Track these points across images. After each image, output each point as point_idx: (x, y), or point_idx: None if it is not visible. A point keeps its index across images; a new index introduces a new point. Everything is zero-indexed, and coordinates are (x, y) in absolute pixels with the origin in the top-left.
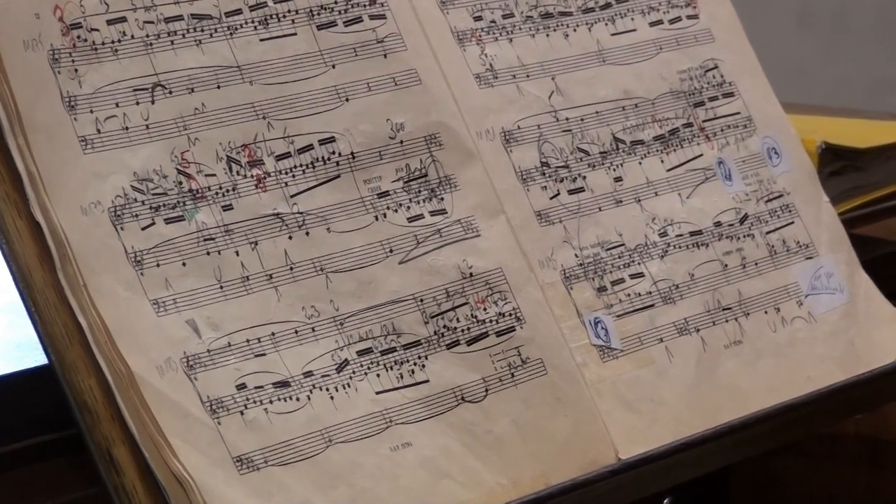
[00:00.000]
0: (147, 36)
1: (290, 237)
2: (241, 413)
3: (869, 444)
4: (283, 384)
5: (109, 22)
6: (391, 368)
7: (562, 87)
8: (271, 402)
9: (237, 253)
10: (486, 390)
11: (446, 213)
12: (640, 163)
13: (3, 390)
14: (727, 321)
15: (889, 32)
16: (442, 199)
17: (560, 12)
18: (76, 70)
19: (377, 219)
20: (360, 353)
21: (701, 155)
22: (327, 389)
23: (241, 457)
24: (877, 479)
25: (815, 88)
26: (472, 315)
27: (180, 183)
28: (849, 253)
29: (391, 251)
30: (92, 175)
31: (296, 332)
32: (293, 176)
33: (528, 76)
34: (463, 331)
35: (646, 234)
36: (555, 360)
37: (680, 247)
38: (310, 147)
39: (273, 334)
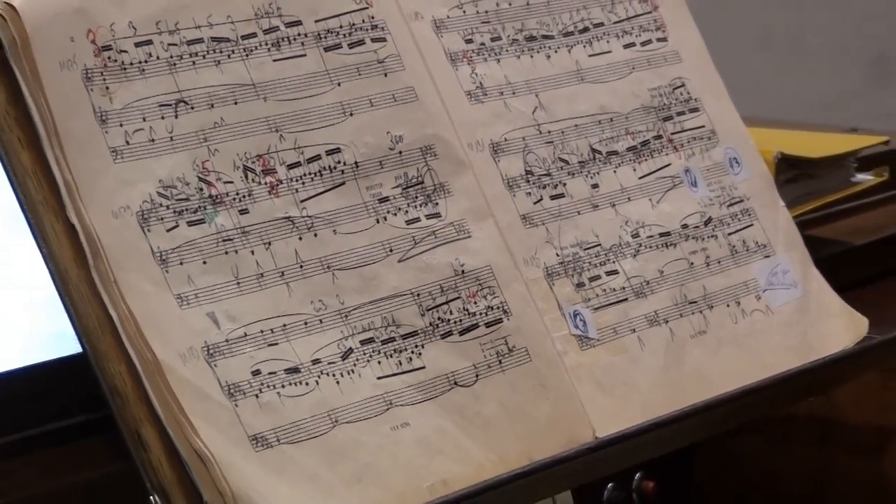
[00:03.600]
0: (171, 57)
1: (300, 238)
2: (256, 396)
3: (819, 424)
4: (294, 370)
5: (137, 44)
6: (391, 356)
7: (544, 103)
8: (283, 386)
9: (252, 252)
10: (477, 376)
11: (440, 216)
12: (614, 171)
13: (43, 376)
14: (693, 313)
15: (839, 54)
16: (437, 203)
17: (543, 35)
18: (107, 88)
19: (378, 221)
20: (363, 342)
21: (669, 164)
22: (333, 375)
23: (256, 435)
24: (826, 456)
25: (772, 104)
26: (463, 308)
27: (201, 189)
28: (802, 252)
29: (391, 251)
30: (121, 182)
31: (305, 323)
32: (303, 183)
33: (514, 93)
34: (455, 322)
35: (620, 236)
36: (538, 348)
37: (650, 247)
38: (318, 157)
39: (285, 326)
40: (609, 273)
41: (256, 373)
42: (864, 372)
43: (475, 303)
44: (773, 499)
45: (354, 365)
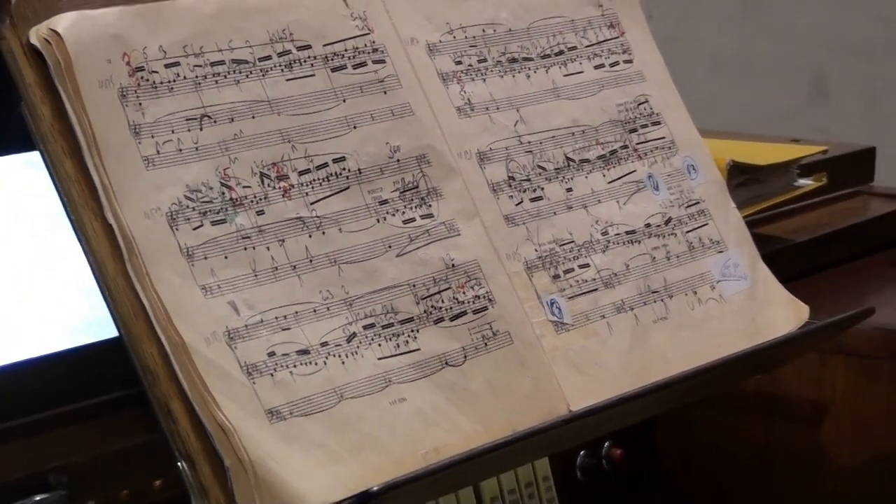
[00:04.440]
0: (196, 77)
1: (310, 236)
2: (272, 375)
3: (766, 398)
4: (305, 352)
5: (166, 66)
6: (390, 339)
7: (525, 117)
8: (295, 366)
9: (268, 248)
10: (465, 356)
11: (433, 216)
12: (586, 177)
13: (84, 357)
14: (655, 302)
15: (781, 75)
16: (430, 205)
17: (523, 58)
18: (140, 104)
19: (378, 221)
20: (366, 327)
21: (634, 171)
22: (339, 356)
23: (271, 409)
24: (771, 426)
25: (724, 119)
26: (453, 297)
27: (223, 193)
28: (751, 248)
29: (390, 247)
30: (153, 187)
31: (314, 310)
32: (312, 187)
33: (497, 108)
34: (446, 310)
35: (591, 233)
36: (519, 332)
37: (618, 243)
38: (325, 164)
39: (296, 313)
40: (581, 266)
41: (271, 354)
42: (804, 353)
43: (464, 293)
44: (725, 463)
45: (358, 347)
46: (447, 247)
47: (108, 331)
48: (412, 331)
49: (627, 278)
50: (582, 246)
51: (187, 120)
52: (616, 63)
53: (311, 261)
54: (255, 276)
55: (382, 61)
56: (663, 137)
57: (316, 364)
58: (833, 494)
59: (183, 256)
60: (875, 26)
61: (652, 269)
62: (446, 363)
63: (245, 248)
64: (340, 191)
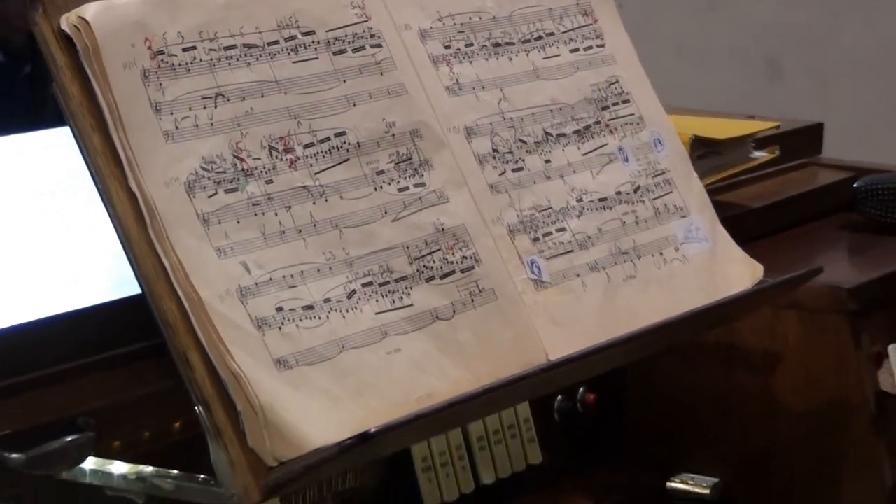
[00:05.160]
0: (211, 60)
1: (314, 203)
2: (279, 328)
3: (724, 348)
4: (309, 307)
5: (184, 50)
6: (386, 296)
7: (507, 96)
8: (301, 320)
9: (276, 214)
10: (454, 311)
11: (425, 185)
12: (563, 150)
13: (111, 312)
14: (625, 262)
15: (738, 58)
16: (422, 175)
17: (506, 42)
18: (160, 84)
19: (376, 189)
20: (364, 284)
21: (606, 144)
22: (340, 311)
23: (279, 359)
24: (728, 374)
25: (687, 97)
26: (443, 258)
27: (235, 164)
28: (711, 213)
29: (386, 212)
30: (172, 159)
31: (318, 270)
32: (316, 159)
33: (483, 88)
34: (437, 269)
35: (567, 201)
36: (502, 289)
37: (591, 209)
38: (328, 139)
39: (302, 272)
40: (559, 230)
41: (279, 309)
42: (759, 307)
43: (452, 254)
44: (686, 407)
45: (357, 303)
46: (438, 212)
47: (133, 288)
48: (406, 288)
49: (600, 241)
50: (559, 212)
51: (203, 98)
52: (590, 47)
53: (314, 225)
54: (265, 238)
55: (379, 46)
56: (632, 114)
57: (319, 318)
58: (784, 436)
59: (199, 221)
60: (822, 15)
61: (622, 233)
62: (437, 317)
63: (255, 214)
64: (341, 162)
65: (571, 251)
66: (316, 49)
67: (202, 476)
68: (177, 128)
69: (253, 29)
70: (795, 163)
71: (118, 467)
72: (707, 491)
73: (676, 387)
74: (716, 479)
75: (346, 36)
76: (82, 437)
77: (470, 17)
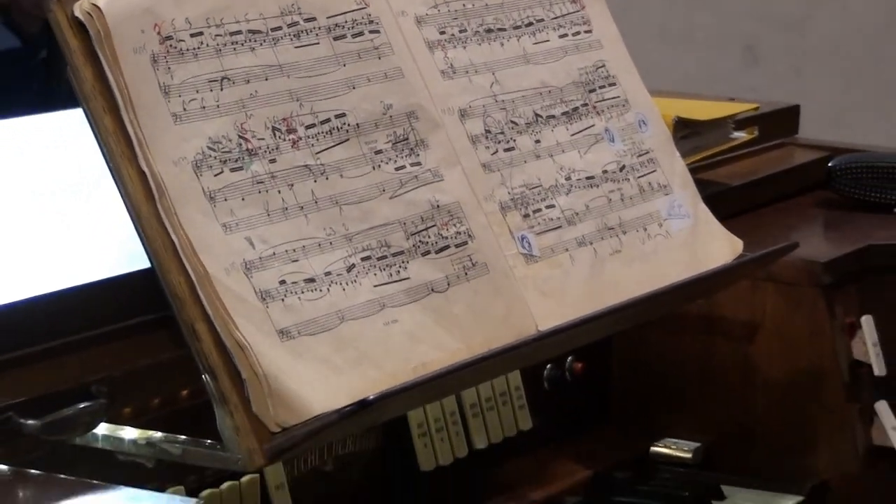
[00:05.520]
0: (217, 45)
1: (315, 181)
2: (282, 300)
3: (705, 319)
4: (311, 280)
5: (192, 35)
6: (384, 269)
7: (499, 80)
8: (302, 292)
9: (279, 191)
10: (448, 284)
11: (421, 164)
12: (552, 130)
13: (122, 285)
14: (611, 237)
15: (718, 44)
16: (418, 155)
17: (498, 28)
18: (169, 68)
19: (374, 168)
20: (363, 259)
21: (593, 125)
22: (340, 284)
23: (282, 329)
24: (710, 344)
25: (670, 81)
26: (438, 233)
27: (240, 144)
28: (693, 191)
29: (384, 190)
30: (180, 139)
31: (319, 245)
32: (317, 139)
33: (476, 72)
34: (432, 244)
35: (556, 179)
36: (494, 263)
37: (579, 187)
38: (328, 120)
39: (304, 247)
40: (548, 207)
41: (282, 282)
42: (738, 280)
43: (447, 229)
44: (670, 375)
45: (356, 276)
46: (433, 190)
47: (143, 263)
48: (403, 262)
49: (587, 217)
50: (548, 189)
51: (209, 81)
52: (577, 33)
53: (316, 202)
54: (268, 215)
55: (377, 31)
56: (618, 97)
57: (320, 291)
58: (762, 401)
59: (206, 198)
60: (798, 2)
61: (608, 209)
62: (432, 290)
63: (259, 192)
64: (341, 142)
65: (560, 227)
66: (317, 35)
67: (209, 441)
68: (184, 109)
69: (257, 15)
70: (773, 143)
71: (129, 433)
72: (689, 455)
73: (660, 356)
74: (697, 444)
75: (345, 22)
76: (95, 405)
77: (464, 4)
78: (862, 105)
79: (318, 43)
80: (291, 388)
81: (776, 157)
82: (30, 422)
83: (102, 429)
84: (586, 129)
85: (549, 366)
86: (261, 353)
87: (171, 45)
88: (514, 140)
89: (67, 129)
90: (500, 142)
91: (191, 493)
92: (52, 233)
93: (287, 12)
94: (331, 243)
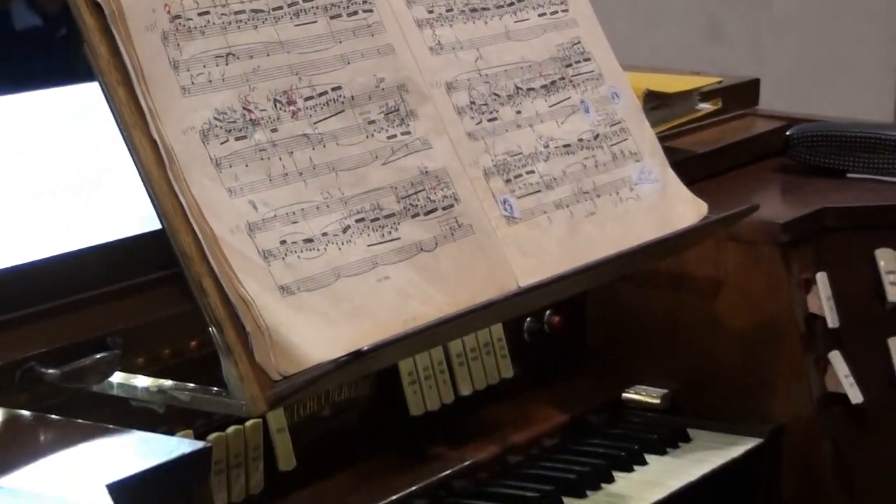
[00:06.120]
0: (223, 23)
1: (313, 148)
2: (283, 259)
3: (673, 276)
4: (309, 240)
5: (199, 14)
6: (376, 230)
7: (483, 55)
8: (301, 251)
9: (280, 158)
10: (436, 244)
11: (411, 133)
12: (532, 102)
13: (136, 245)
14: (586, 200)
15: (684, 21)
16: (408, 124)
17: (482, 7)
18: (178, 44)
19: (368, 137)
20: (357, 220)
21: (570, 97)
22: (336, 244)
23: (282, 286)
24: (677, 298)
25: (640, 56)
26: (427, 197)
27: (244, 115)
28: (661, 158)
29: (376, 157)
30: (188, 110)
31: (317, 208)
32: (315, 111)
33: (462, 48)
34: (421, 207)
35: (535, 147)
36: (479, 224)
37: (557, 154)
38: (325, 92)
39: (303, 209)
40: (528, 172)
41: (283, 242)
42: (703, 240)
43: (435, 193)
44: (641, 327)
45: (351, 237)
46: (422, 157)
47: (154, 224)
48: (394, 223)
49: (564, 182)
50: (528, 156)
51: (216, 57)
52: (555, 12)
53: (314, 168)
54: (270, 180)
55: (370, 10)
56: (592, 71)
57: (318, 250)
58: (725, 351)
59: (212, 165)
60: None
61: (583, 175)
62: (421, 249)
63: (262, 159)
64: (337, 113)
65: (539, 191)
66: (315, 13)
67: (215, 388)
68: (193, 83)
69: None
70: (735, 114)
71: (141, 381)
72: (658, 401)
73: (631, 309)
74: (665, 390)
75: (341, 2)
76: (110, 355)
77: None
78: (817, 78)
79: (315, 21)
80: (291, 339)
81: (738, 126)
82: (50, 371)
83: (117, 377)
84: (563, 100)
85: (528, 319)
86: (263, 308)
87: (180, 24)
88: (497, 111)
89: (85, 100)
90: (483, 113)
91: (199, 436)
92: (52, 233)
93: None
94: (328, 206)
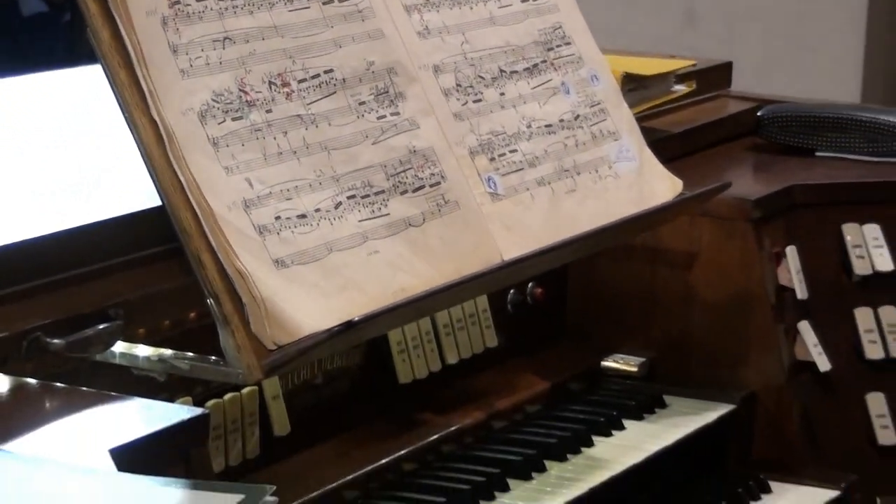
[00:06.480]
0: (220, 9)
1: (307, 129)
2: (278, 233)
3: (650, 250)
4: (303, 216)
5: (197, 0)
6: (367, 206)
7: (469, 39)
8: (295, 227)
9: (275, 138)
10: (424, 219)
11: (399, 114)
12: (515, 84)
13: (137, 220)
14: (567, 178)
15: (663, 5)
16: (397, 105)
17: None
18: (177, 29)
19: (358, 117)
20: (349, 197)
21: (551, 79)
22: (329, 219)
23: (277, 259)
24: (654, 271)
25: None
26: (415, 175)
27: (240, 97)
28: (639, 137)
29: (367, 136)
30: (187, 92)
31: (310, 185)
32: (308, 92)
33: (448, 32)
34: (410, 184)
35: (518, 127)
36: (464, 201)
37: (539, 134)
38: (318, 75)
39: (296, 186)
40: (511, 151)
41: (277, 218)
42: (679, 216)
43: (422, 171)
44: (619, 298)
45: (343, 212)
46: (410, 137)
47: (155, 201)
48: (384, 200)
49: (546, 160)
50: (512, 136)
51: (213, 41)
52: None
53: (307, 147)
54: (265, 159)
55: None
56: (573, 54)
57: (311, 225)
58: (699, 321)
59: (210, 144)
60: None
61: (564, 154)
62: (409, 224)
63: (257, 138)
64: (329, 95)
65: (522, 169)
66: (308, 0)
67: (213, 357)
68: (191, 66)
69: None
70: (708, 95)
71: (142, 350)
72: (635, 369)
73: (610, 282)
74: (642, 359)
75: None
76: (113, 326)
77: None
78: (787, 61)
79: (308, 7)
80: (286, 310)
81: (711, 107)
82: (55, 341)
83: (119, 347)
84: (545, 82)
85: (512, 291)
86: (259, 280)
87: (178, 9)
88: (482, 93)
89: (88, 83)
90: (469, 94)
91: (197, 403)
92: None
93: None
94: (320, 183)
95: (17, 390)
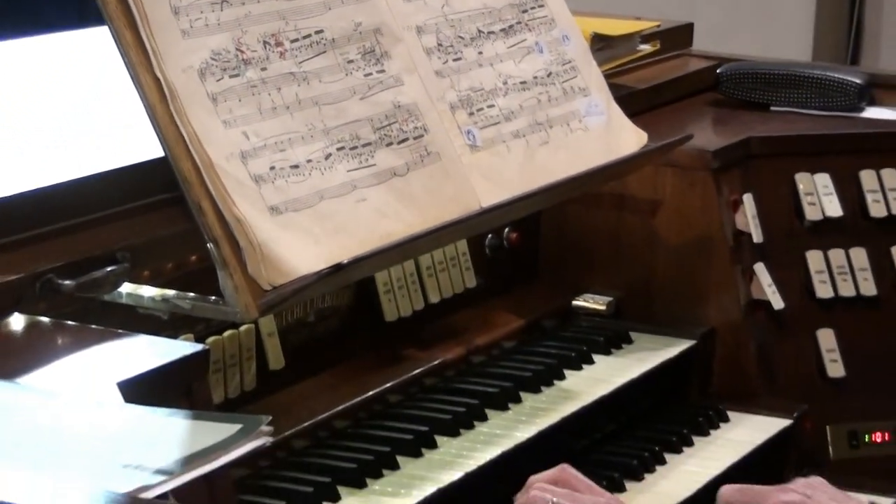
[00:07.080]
0: None
1: (299, 85)
2: (272, 183)
3: (617, 198)
4: (295, 167)
5: None
6: (355, 157)
7: (449, 2)
8: (289, 176)
9: (269, 94)
10: (408, 169)
11: (385, 72)
12: (492, 44)
13: (142, 170)
14: (541, 131)
15: None
16: (383, 64)
17: None
18: None
19: (347, 75)
20: (338, 149)
21: (525, 39)
22: (320, 169)
23: (272, 206)
24: (620, 217)
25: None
26: (400, 128)
27: (237, 56)
28: (607, 93)
29: (355, 92)
30: (187, 51)
31: (302, 138)
32: (300, 51)
33: None
34: (395, 136)
35: (495, 83)
36: (445, 152)
37: (514, 90)
38: (309, 35)
39: (290, 139)
40: (489, 106)
41: (272, 168)
42: (644, 166)
43: (406, 125)
44: (588, 242)
45: (333, 163)
46: (395, 93)
47: (158, 153)
48: (371, 151)
49: (521, 114)
50: (489, 92)
51: (211, 3)
52: None
53: (299, 103)
54: (261, 113)
55: None
56: (546, 16)
57: (303, 175)
58: (663, 263)
59: (209, 100)
60: None
61: (538, 108)
62: (394, 174)
63: (253, 94)
64: (320, 54)
65: (499, 122)
66: None
67: (213, 297)
68: (191, 27)
69: None
70: (671, 54)
71: (147, 291)
72: (603, 307)
73: (580, 227)
74: (610, 298)
75: None
76: (120, 268)
77: None
78: (745, 22)
79: None
80: (280, 254)
81: (674, 65)
82: (66, 282)
83: (126, 288)
84: (520, 42)
85: (489, 235)
86: (255, 226)
87: None
88: (461, 52)
89: (96, 42)
90: (449, 53)
91: (198, 339)
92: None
93: None
94: (311, 136)
95: (30, 328)
